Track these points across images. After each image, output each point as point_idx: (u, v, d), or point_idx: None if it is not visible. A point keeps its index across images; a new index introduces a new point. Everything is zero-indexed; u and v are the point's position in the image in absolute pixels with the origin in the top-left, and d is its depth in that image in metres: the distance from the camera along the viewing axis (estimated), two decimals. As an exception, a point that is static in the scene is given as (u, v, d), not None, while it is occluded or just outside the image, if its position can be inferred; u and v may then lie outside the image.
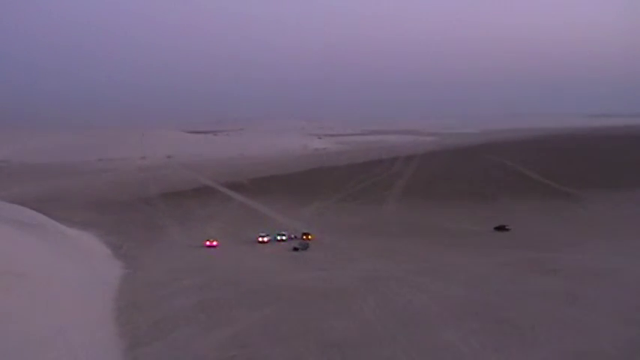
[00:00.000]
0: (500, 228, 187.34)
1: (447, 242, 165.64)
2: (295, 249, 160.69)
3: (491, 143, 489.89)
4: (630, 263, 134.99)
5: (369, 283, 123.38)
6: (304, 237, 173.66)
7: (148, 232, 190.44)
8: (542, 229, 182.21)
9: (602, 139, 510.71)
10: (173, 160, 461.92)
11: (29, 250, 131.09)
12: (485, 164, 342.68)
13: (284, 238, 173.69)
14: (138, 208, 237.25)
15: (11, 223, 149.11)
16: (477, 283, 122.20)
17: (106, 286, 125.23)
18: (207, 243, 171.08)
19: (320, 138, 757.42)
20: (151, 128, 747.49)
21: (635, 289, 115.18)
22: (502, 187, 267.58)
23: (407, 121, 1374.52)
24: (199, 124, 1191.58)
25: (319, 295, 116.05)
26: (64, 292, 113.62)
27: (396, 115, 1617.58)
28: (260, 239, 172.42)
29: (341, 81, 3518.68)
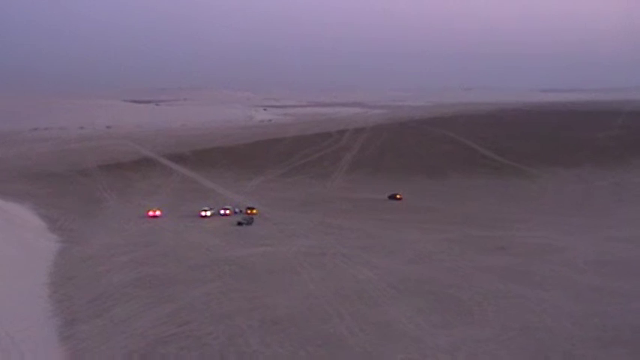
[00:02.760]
0: (392, 197, 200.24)
1: (395, 218, 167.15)
2: (239, 223, 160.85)
3: (442, 117, 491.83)
4: (577, 241, 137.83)
5: (314, 259, 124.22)
6: (248, 211, 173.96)
7: (85, 205, 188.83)
8: (493, 205, 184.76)
9: (553, 115, 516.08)
10: (113, 130, 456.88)
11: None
12: (436, 139, 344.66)
13: (227, 212, 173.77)
14: (75, 180, 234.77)
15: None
16: (424, 260, 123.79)
17: (40, 261, 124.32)
18: (151, 213, 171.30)
19: (265, 109, 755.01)
20: (89, 97, 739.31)
21: (581, 267, 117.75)
22: (452, 162, 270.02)
23: (356, 93, 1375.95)
24: (140, 94, 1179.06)
25: (263, 271, 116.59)
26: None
27: (345, 86, 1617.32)
28: (203, 213, 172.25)
29: (288, 50, 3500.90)
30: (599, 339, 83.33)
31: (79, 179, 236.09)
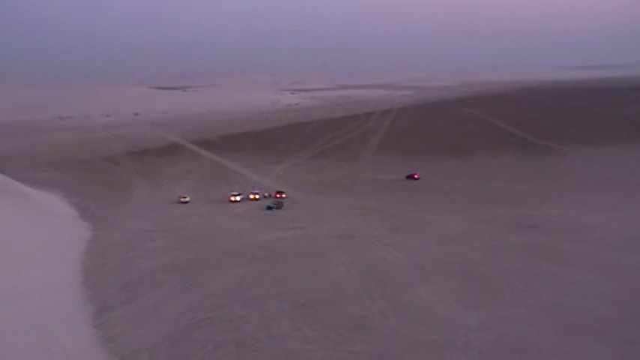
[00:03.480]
0: (410, 177, 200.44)
1: (424, 199, 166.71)
2: (269, 208, 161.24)
3: (467, 96, 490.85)
4: (606, 219, 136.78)
5: (343, 242, 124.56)
6: (277, 195, 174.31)
7: (115, 191, 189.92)
8: (521, 184, 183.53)
9: (578, 92, 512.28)
10: (140, 117, 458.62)
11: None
12: (462, 118, 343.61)
13: (256, 196, 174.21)
14: (104, 167, 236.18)
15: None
16: (454, 240, 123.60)
17: (72, 249, 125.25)
18: (182, 199, 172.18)
19: (292, 93, 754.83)
20: (115, 84, 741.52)
21: (611, 244, 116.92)
22: (478, 141, 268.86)
23: (382, 74, 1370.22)
24: (167, 80, 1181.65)
25: (293, 254, 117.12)
26: (31, 254, 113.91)
27: (370, 68, 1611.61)
28: (232, 198, 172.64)
29: (313, 33, 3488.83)
30: (631, 318, 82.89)
31: (108, 166, 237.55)
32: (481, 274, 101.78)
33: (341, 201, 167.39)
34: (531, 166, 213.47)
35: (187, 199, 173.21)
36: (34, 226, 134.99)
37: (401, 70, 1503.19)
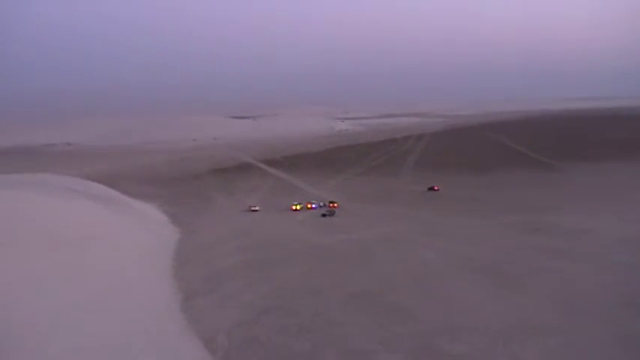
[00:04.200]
0: (431, 189, 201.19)
1: (452, 207, 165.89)
2: (324, 215, 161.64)
3: (489, 123, 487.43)
4: (603, 223, 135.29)
5: (386, 243, 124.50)
6: (331, 205, 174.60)
7: (199, 202, 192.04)
8: (530, 195, 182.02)
9: (577, 119, 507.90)
10: (219, 141, 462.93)
11: (103, 218, 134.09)
12: (484, 141, 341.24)
13: (314, 206, 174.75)
14: (190, 182, 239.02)
15: (87, 196, 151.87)
16: (477, 242, 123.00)
17: (165, 248, 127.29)
18: (252, 208, 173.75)
19: (343, 121, 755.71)
20: (198, 114, 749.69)
21: (607, 244, 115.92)
22: (495, 159, 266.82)
23: (418, 105, 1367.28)
24: (239, 110, 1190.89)
25: (344, 254, 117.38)
26: (132, 252, 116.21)
27: (409, 100, 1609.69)
28: (293, 207, 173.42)
29: (361, 72, 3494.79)
30: (622, 304, 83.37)
31: (193, 182, 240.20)
32: (501, 270, 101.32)
33: (384, 210, 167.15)
34: (538, 180, 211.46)
35: (257, 208, 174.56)
36: (136, 229, 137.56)
37: (432, 101, 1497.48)
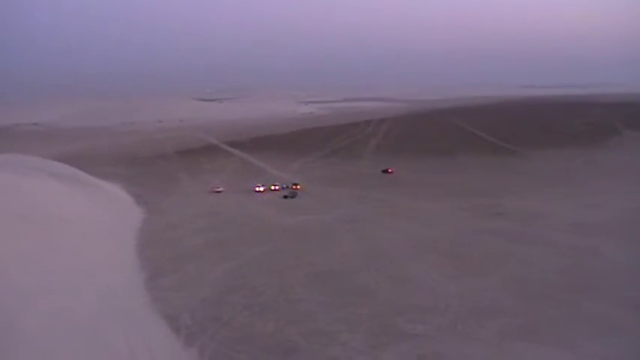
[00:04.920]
0: (385, 171, 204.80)
1: (413, 191, 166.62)
2: (285, 197, 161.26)
3: (451, 109, 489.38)
4: (560, 208, 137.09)
5: (347, 224, 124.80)
6: (294, 187, 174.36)
7: (165, 183, 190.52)
8: (490, 179, 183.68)
9: (539, 106, 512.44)
10: (185, 123, 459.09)
11: (69, 198, 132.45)
12: (445, 126, 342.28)
13: (277, 187, 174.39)
14: (156, 163, 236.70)
15: (52, 176, 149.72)
16: (437, 224, 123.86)
17: (130, 228, 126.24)
18: (216, 189, 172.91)
19: (306, 104, 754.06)
20: (165, 96, 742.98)
21: (563, 228, 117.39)
22: (458, 144, 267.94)
23: (381, 89, 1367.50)
24: (206, 94, 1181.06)
25: (306, 235, 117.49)
26: (98, 232, 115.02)
27: (372, 84, 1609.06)
28: (257, 189, 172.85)
29: (325, 54, 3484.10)
30: (576, 285, 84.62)
31: (160, 163, 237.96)
32: (459, 252, 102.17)
33: (346, 191, 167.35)
34: (499, 165, 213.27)
35: (221, 189, 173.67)
36: (101, 209, 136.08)
37: (395, 86, 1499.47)
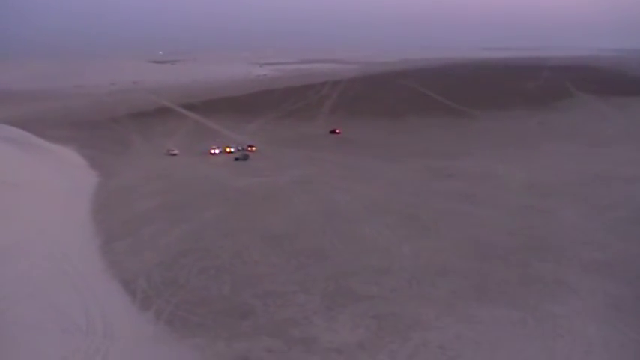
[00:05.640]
0: (333, 132, 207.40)
1: (367, 152, 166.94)
2: (237, 159, 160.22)
3: (403, 71, 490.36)
4: (512, 169, 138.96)
5: (301, 186, 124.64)
6: (249, 148, 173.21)
7: (118, 146, 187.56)
8: (442, 141, 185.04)
9: (491, 68, 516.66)
10: (138, 85, 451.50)
11: (19, 163, 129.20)
12: (398, 88, 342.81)
13: (232, 150, 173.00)
14: (109, 126, 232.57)
15: (4, 140, 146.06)
16: (390, 185, 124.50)
17: (84, 192, 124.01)
18: (171, 152, 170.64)
19: (261, 66, 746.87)
20: (117, 58, 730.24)
21: (515, 189, 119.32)
22: (411, 106, 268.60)
23: (335, 52, 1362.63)
24: (158, 56, 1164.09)
25: (261, 197, 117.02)
26: (49, 197, 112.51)
27: (325, 47, 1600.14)
28: (212, 151, 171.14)
29: (279, 17, 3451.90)
30: (527, 246, 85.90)
31: (112, 125, 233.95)
32: (413, 213, 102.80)
33: (300, 153, 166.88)
34: (452, 127, 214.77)
35: (176, 152, 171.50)
36: (53, 173, 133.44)
37: (349, 49, 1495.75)
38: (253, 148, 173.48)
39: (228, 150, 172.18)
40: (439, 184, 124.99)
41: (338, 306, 67.34)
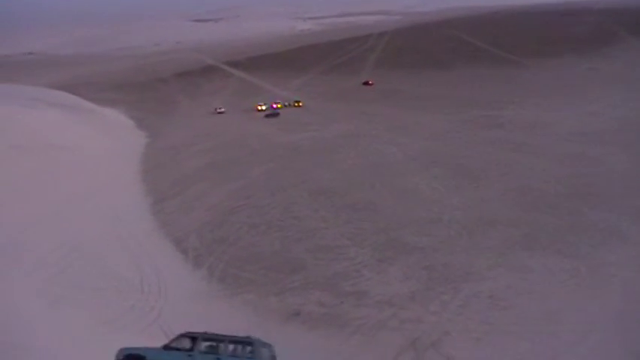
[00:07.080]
0: (366, 83, 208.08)
1: (413, 104, 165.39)
2: (267, 116, 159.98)
3: (448, 19, 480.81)
4: (561, 117, 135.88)
5: (349, 140, 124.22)
6: (296, 103, 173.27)
7: (164, 106, 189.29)
8: (490, 90, 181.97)
9: (538, 15, 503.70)
10: (182, 45, 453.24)
11: (69, 125, 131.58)
12: (444, 38, 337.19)
13: (278, 105, 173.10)
14: (155, 87, 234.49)
15: (51, 104, 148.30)
16: (438, 137, 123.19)
17: (133, 153, 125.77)
18: (218, 110, 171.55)
19: (304, 20, 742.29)
20: (159, 19, 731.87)
21: (565, 137, 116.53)
22: (457, 56, 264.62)
23: (376, 2, 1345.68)
24: (201, 14, 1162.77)
25: (309, 152, 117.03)
26: (100, 158, 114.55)
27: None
28: (259, 107, 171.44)
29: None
30: (577, 194, 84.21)
31: (158, 86, 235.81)
32: (461, 164, 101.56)
33: (346, 107, 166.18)
34: (499, 76, 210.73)
35: (223, 109, 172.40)
36: (103, 135, 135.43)
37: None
38: (300, 103, 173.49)
39: (275, 106, 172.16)
40: (487, 134, 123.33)
41: (389, 258, 67.41)
